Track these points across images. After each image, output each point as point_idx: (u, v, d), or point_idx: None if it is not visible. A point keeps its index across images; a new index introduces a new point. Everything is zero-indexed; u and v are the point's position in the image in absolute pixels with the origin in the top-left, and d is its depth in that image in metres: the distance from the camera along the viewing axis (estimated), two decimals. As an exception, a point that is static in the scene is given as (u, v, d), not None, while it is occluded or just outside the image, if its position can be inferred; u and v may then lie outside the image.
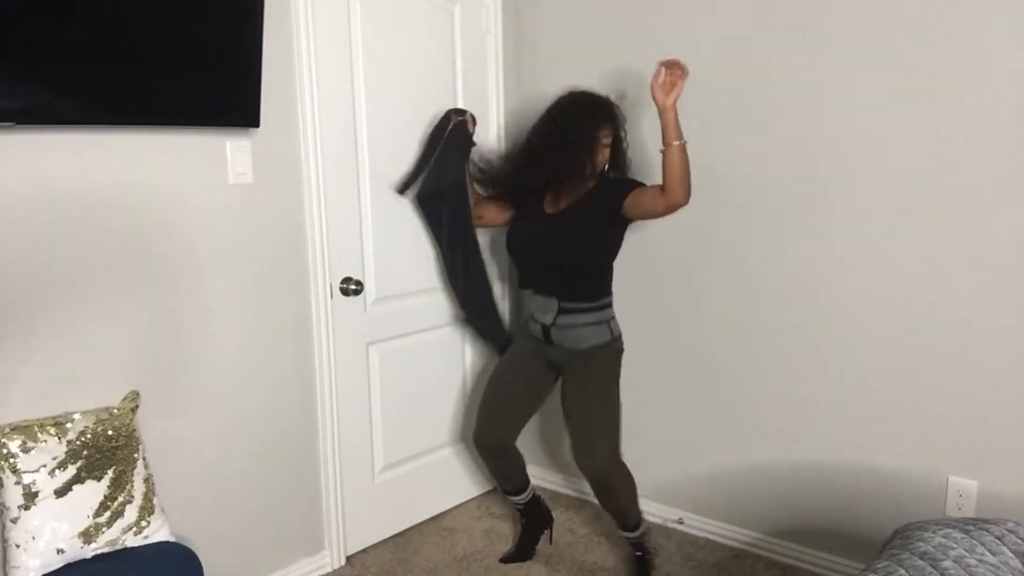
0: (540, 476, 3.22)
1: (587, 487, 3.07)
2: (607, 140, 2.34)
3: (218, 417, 2.26)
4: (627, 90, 2.73)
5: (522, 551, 2.66)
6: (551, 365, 2.49)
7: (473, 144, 2.63)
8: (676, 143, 2.12)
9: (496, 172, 2.60)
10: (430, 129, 2.65)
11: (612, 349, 2.42)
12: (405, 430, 2.82)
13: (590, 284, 2.39)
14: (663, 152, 2.15)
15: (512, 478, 2.63)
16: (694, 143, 2.59)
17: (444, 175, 2.59)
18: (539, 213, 2.44)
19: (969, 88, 2.08)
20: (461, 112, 2.63)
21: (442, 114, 2.64)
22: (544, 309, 2.41)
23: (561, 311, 2.37)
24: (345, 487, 2.63)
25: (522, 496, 2.65)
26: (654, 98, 2.15)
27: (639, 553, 2.52)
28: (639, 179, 2.42)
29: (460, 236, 2.66)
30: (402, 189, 2.65)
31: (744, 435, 2.66)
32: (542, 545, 2.72)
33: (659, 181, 2.20)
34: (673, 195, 2.14)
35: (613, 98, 2.41)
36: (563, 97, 2.41)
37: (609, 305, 2.43)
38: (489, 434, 2.57)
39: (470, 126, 2.61)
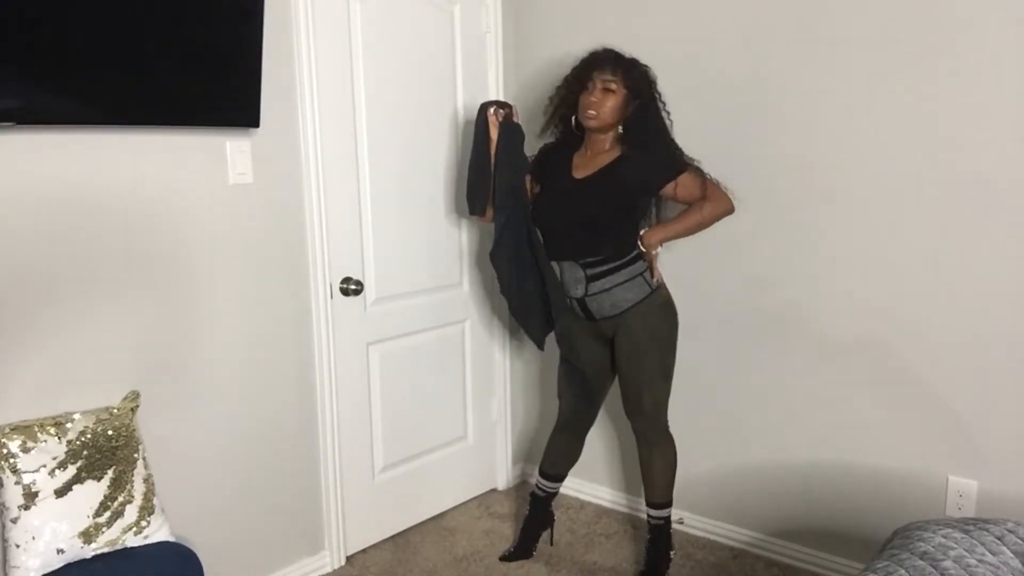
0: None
1: (589, 488, 3.08)
2: (607, 85, 2.27)
3: (218, 417, 2.26)
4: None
5: (523, 548, 2.66)
6: (604, 339, 2.44)
7: (523, 134, 2.47)
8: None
9: None
10: (473, 136, 2.47)
11: (656, 302, 2.36)
12: (405, 430, 2.82)
13: (614, 243, 2.33)
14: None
15: (562, 463, 2.64)
16: (694, 142, 2.60)
17: (515, 172, 2.42)
18: (567, 178, 2.38)
19: (971, 89, 2.08)
20: (503, 104, 2.45)
21: (477, 115, 2.45)
22: (574, 281, 2.37)
23: (589, 279, 2.33)
24: (345, 487, 2.63)
25: (553, 485, 2.66)
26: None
27: (656, 541, 2.50)
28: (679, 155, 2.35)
29: (522, 227, 2.42)
30: (477, 210, 2.50)
31: (744, 435, 2.66)
32: (542, 545, 2.72)
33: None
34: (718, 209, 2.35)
35: (613, 49, 2.33)
36: None
37: (638, 258, 2.35)
38: (577, 404, 2.55)
39: (515, 117, 2.45)
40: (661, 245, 2.38)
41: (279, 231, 2.36)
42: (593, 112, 2.29)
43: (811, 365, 2.47)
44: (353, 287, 2.55)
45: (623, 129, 2.33)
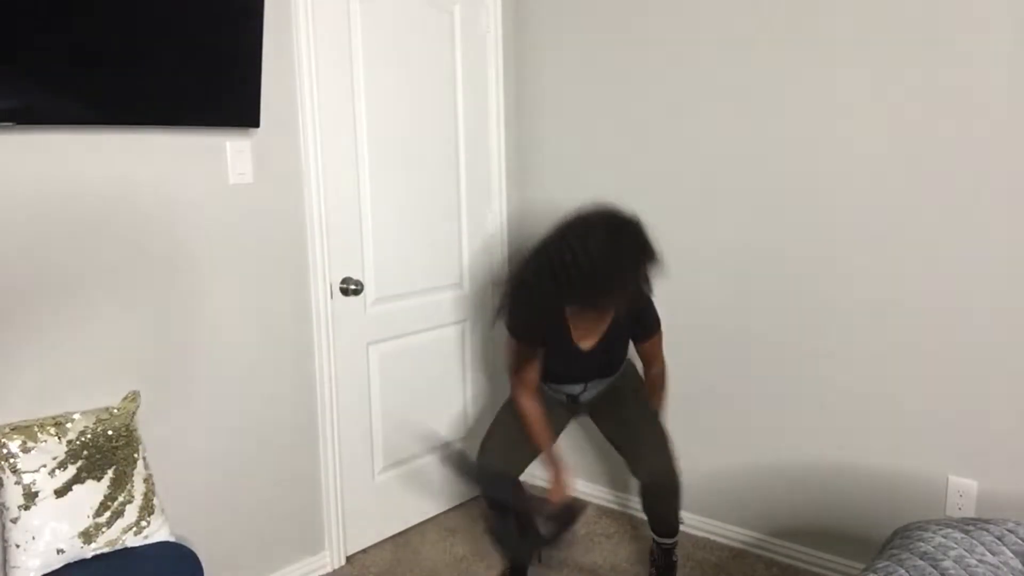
0: (543, 477, 3.22)
1: (589, 488, 3.08)
2: (635, 285, 2.12)
3: (218, 417, 2.26)
4: (626, 88, 2.73)
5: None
6: (570, 412, 2.42)
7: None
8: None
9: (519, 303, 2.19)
10: None
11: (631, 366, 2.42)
12: (405, 430, 2.82)
13: (623, 359, 2.37)
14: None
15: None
16: (695, 144, 2.61)
17: None
18: (572, 348, 2.23)
19: (970, 89, 2.08)
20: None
21: None
22: (578, 386, 2.34)
23: (590, 384, 2.33)
24: (345, 487, 2.63)
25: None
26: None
27: (673, 559, 2.43)
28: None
29: None
30: None
31: (744, 435, 2.66)
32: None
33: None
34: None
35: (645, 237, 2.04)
36: (595, 227, 1.98)
37: None
38: (510, 465, 2.35)
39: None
40: None
41: (279, 231, 2.36)
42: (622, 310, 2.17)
43: (811, 365, 2.47)
44: (353, 287, 2.55)
45: None
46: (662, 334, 2.34)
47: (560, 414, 2.41)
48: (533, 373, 2.26)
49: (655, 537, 2.42)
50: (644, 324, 2.29)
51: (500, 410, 2.43)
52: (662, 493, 2.33)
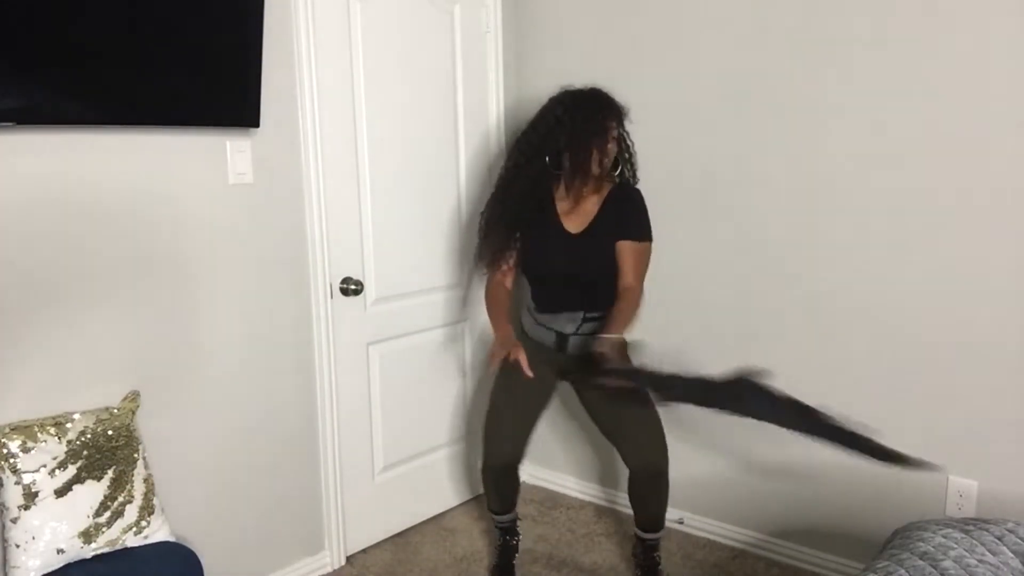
0: (543, 477, 3.22)
1: (589, 488, 3.08)
2: (614, 133, 2.25)
3: (218, 417, 2.26)
4: (627, 89, 2.73)
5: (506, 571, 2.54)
6: (557, 369, 2.36)
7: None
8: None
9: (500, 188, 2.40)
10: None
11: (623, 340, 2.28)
12: (405, 430, 2.82)
13: (612, 292, 2.26)
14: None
15: (511, 496, 2.52)
16: (696, 144, 2.60)
17: None
18: (559, 231, 2.29)
19: (970, 90, 2.09)
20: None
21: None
22: (567, 320, 2.30)
23: (585, 320, 2.28)
24: (345, 487, 2.63)
25: (512, 515, 2.54)
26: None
27: (655, 555, 2.44)
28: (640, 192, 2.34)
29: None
30: None
31: (744, 435, 2.65)
32: (541, 544, 2.72)
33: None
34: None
35: (609, 93, 2.30)
36: (564, 94, 2.30)
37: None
38: (504, 455, 2.41)
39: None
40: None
41: (279, 231, 2.36)
42: (607, 163, 2.25)
43: (811, 365, 2.47)
44: (353, 287, 2.55)
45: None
46: (644, 251, 2.26)
47: (546, 375, 2.32)
48: (507, 265, 2.36)
49: (639, 532, 2.44)
50: (628, 220, 2.27)
51: (491, 392, 2.48)
52: (653, 481, 2.35)
